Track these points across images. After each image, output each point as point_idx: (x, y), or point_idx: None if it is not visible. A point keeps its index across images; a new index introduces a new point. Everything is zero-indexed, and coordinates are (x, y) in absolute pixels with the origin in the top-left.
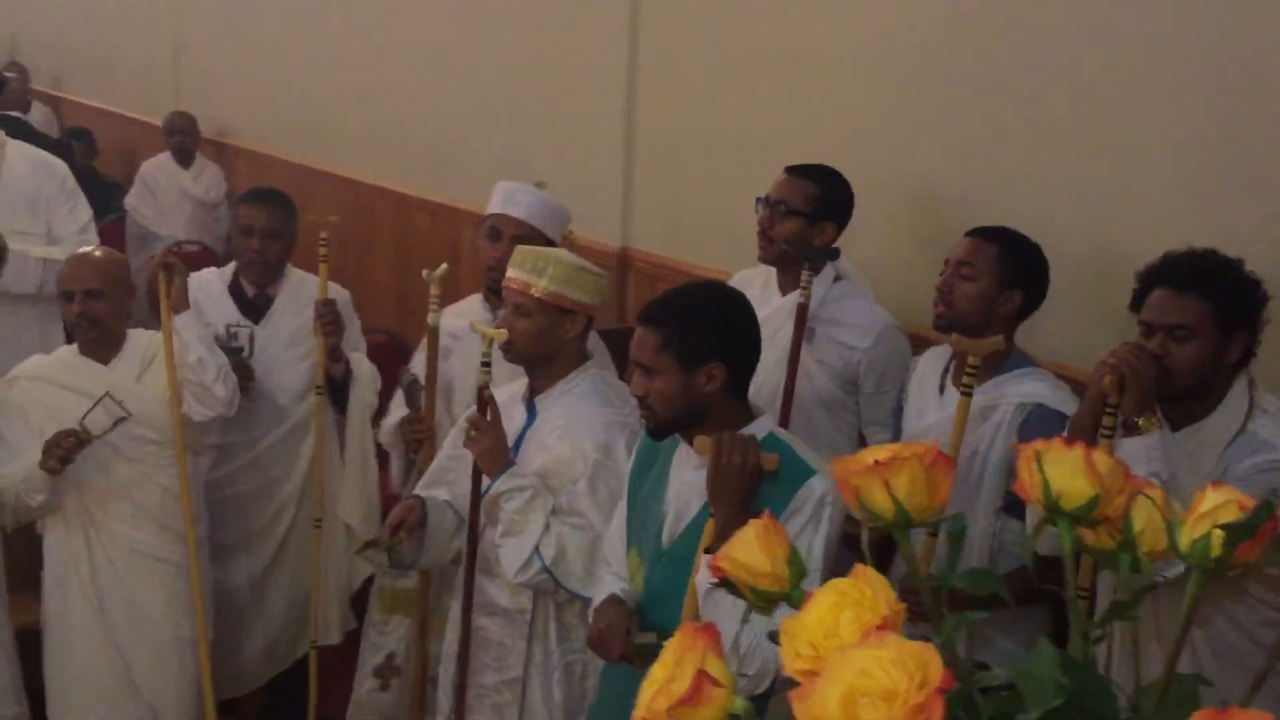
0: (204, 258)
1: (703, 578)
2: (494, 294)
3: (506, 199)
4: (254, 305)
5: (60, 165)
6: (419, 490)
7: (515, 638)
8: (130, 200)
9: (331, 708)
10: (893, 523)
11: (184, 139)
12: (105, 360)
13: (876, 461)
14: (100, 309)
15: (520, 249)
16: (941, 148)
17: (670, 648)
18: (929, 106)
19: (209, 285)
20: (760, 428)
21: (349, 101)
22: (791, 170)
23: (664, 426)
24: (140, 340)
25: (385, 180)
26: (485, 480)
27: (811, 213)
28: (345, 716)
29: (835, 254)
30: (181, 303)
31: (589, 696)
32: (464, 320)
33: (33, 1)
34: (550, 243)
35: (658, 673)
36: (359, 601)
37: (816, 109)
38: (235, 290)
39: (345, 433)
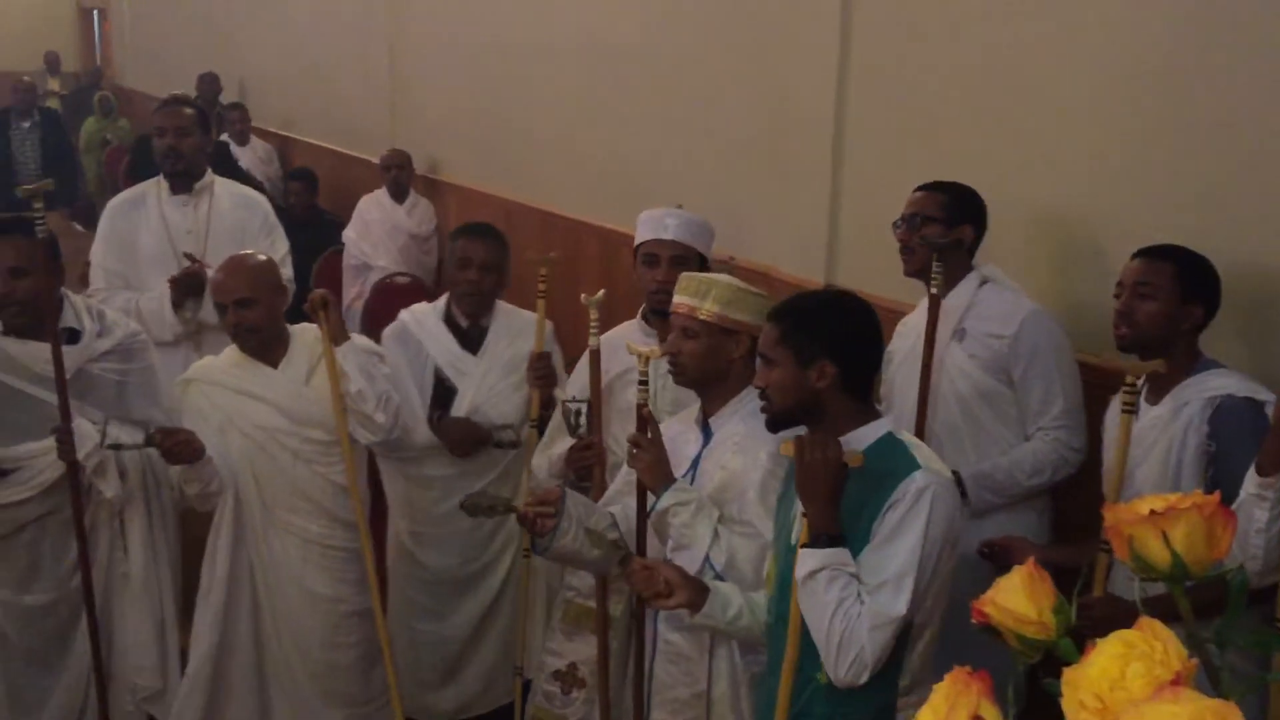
0: (415, 289)
1: (798, 570)
2: (658, 316)
3: (654, 225)
4: (468, 336)
5: (262, 201)
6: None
7: (701, 650)
8: (348, 233)
9: None
10: (1168, 575)
11: (399, 175)
12: (274, 363)
13: (1152, 511)
14: (253, 316)
15: (685, 275)
16: (1120, 176)
17: (940, 691)
18: (1149, 144)
19: (425, 319)
20: (876, 429)
21: (556, 138)
22: (921, 187)
23: (779, 418)
24: (306, 339)
25: (591, 216)
26: (651, 499)
27: (946, 217)
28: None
29: (960, 244)
30: (340, 334)
31: None
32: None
33: (263, 49)
34: (704, 258)
35: (926, 716)
36: None
37: (1031, 142)
38: (449, 321)
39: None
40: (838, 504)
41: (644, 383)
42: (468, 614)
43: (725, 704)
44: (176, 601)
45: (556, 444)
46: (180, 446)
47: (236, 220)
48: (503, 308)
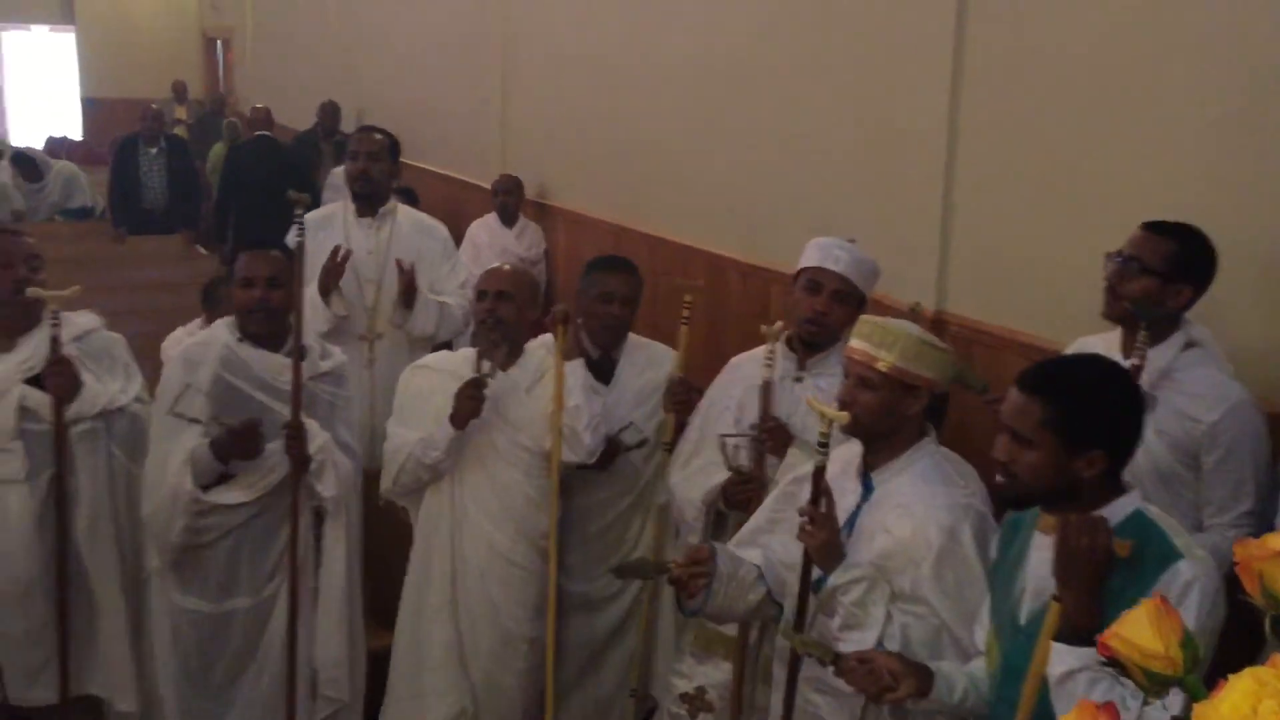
0: None
1: (1052, 667)
2: (805, 346)
3: (824, 254)
4: (599, 367)
5: (440, 228)
6: (731, 546)
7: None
8: (459, 257)
9: None
10: None
11: (508, 199)
12: (504, 366)
13: None
14: (507, 310)
15: (866, 320)
16: None
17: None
18: None
19: (553, 349)
20: (1125, 505)
21: (664, 163)
22: (1149, 226)
23: (1025, 499)
24: (536, 355)
25: (697, 240)
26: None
27: (1167, 272)
28: None
29: (1175, 319)
30: (572, 351)
31: None
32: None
33: (378, 76)
34: (863, 298)
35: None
36: None
37: (1154, 163)
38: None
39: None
40: (1100, 596)
41: (824, 445)
42: (595, 634)
43: None
44: (363, 614)
45: (713, 475)
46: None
47: (415, 245)
48: (632, 339)
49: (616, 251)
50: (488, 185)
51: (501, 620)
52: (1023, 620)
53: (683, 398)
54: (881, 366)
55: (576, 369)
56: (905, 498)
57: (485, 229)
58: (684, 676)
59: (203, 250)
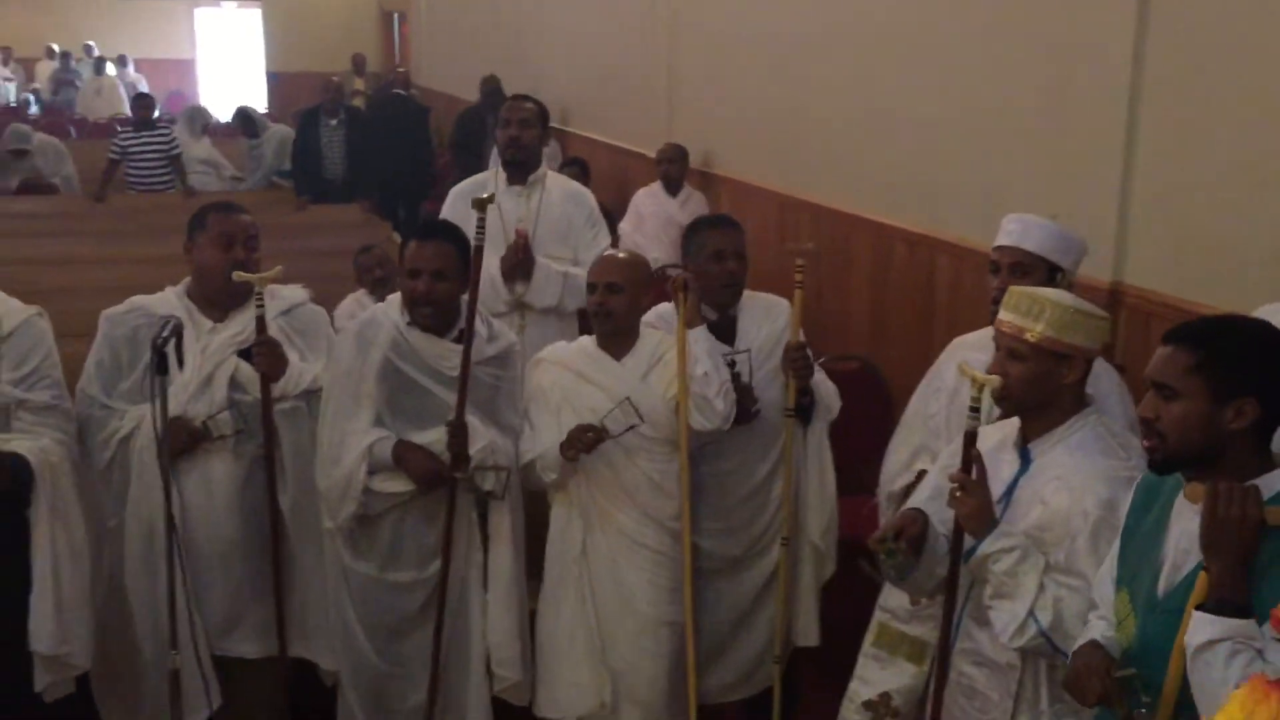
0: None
1: (1192, 635)
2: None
3: (1002, 232)
4: (720, 327)
5: (589, 196)
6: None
7: (1002, 693)
8: (623, 226)
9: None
10: None
11: (672, 168)
12: (619, 356)
13: None
14: (616, 302)
15: (1014, 290)
16: None
17: (1237, 699)
18: None
19: (672, 317)
20: (1277, 479)
21: (830, 131)
22: None
23: (1172, 459)
24: (651, 340)
25: (863, 210)
26: (969, 540)
27: None
28: None
29: None
30: (695, 318)
31: None
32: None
33: (547, 47)
34: (1055, 270)
35: None
36: None
37: None
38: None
39: (806, 450)
40: (1247, 566)
41: (975, 410)
42: (741, 597)
43: None
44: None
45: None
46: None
47: (564, 213)
48: (746, 295)
49: (781, 222)
50: (653, 154)
51: (637, 605)
52: (1161, 594)
53: (801, 362)
54: (1030, 337)
55: (700, 336)
56: (1063, 469)
57: (649, 197)
58: (866, 683)
59: (378, 219)
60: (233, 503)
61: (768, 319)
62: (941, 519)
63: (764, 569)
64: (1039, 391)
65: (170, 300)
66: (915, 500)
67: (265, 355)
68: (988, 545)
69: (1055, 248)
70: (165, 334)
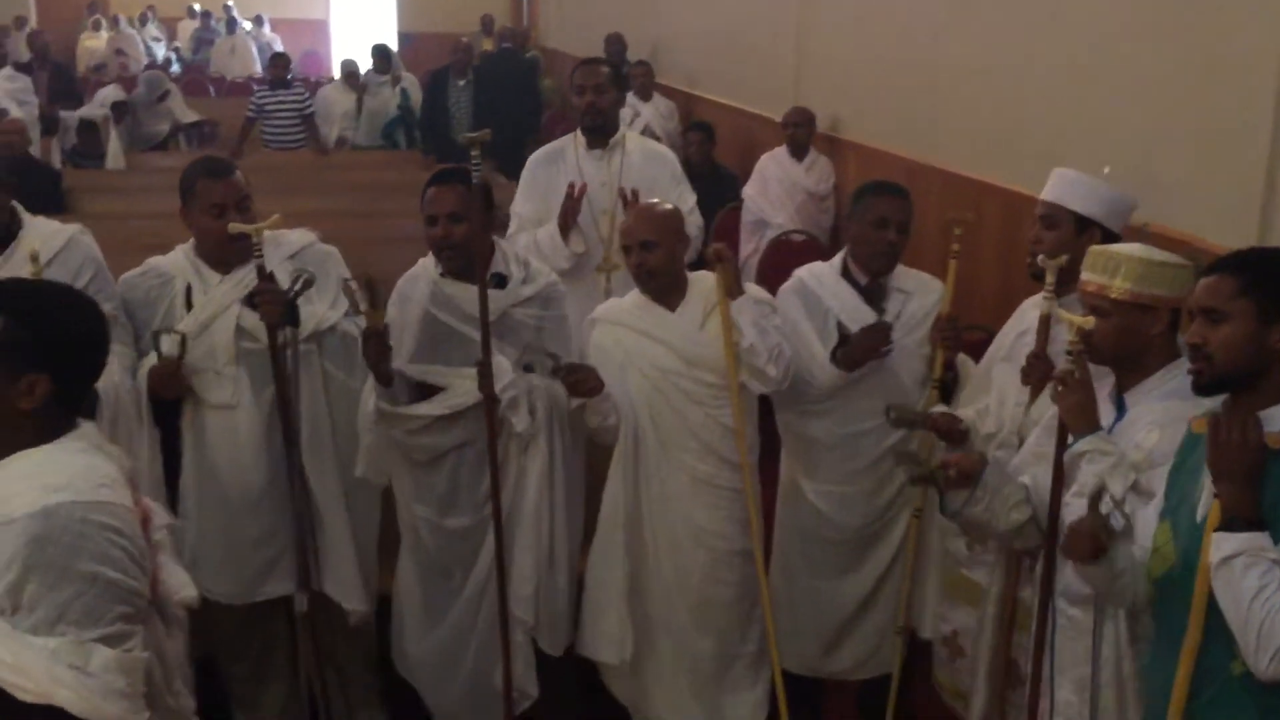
0: (810, 247)
1: (1212, 555)
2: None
3: (1064, 188)
4: (869, 293)
5: (670, 156)
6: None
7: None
8: (747, 190)
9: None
10: None
11: (798, 132)
12: (672, 306)
13: None
14: (654, 259)
15: (1093, 250)
16: None
17: None
18: None
19: (823, 276)
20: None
21: (961, 96)
22: None
23: (1218, 380)
24: (703, 286)
25: (995, 177)
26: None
27: None
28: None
29: None
30: (735, 289)
31: None
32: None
33: (675, 9)
34: (1083, 221)
35: None
36: None
37: None
38: (847, 277)
39: None
40: (1256, 486)
41: (1070, 353)
42: (866, 574)
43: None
44: (574, 538)
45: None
46: (583, 380)
47: (646, 174)
48: (899, 267)
49: (909, 188)
50: (779, 118)
51: (708, 541)
52: (1199, 517)
53: (950, 334)
54: (1112, 294)
55: (744, 306)
56: (1157, 415)
57: (775, 162)
58: (943, 620)
59: (503, 179)
60: (258, 453)
61: (919, 293)
62: (1035, 487)
63: (891, 544)
64: (1127, 345)
65: (179, 259)
66: (1021, 459)
67: (266, 304)
68: (1086, 444)
69: (1085, 201)
70: (297, 288)
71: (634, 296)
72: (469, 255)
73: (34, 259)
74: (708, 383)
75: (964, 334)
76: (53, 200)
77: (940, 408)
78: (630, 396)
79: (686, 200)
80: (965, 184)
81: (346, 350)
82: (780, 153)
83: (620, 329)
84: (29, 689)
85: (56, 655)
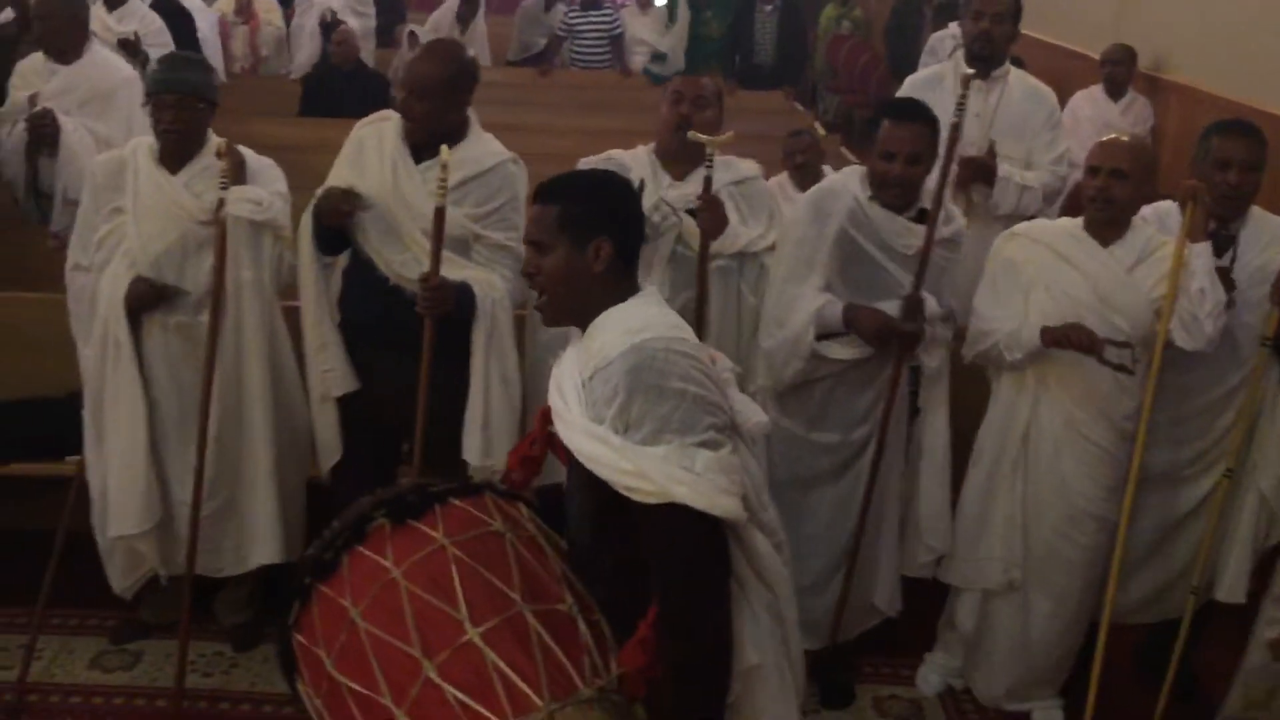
0: None
1: None
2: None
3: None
4: (1216, 241)
5: (1050, 95)
6: None
7: None
8: None
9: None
10: None
11: (1117, 70)
12: (1106, 243)
13: None
14: (1120, 190)
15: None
16: None
17: None
18: None
19: (1167, 220)
20: None
21: None
22: None
23: None
24: (1143, 233)
25: None
26: None
27: None
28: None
29: None
30: (1199, 232)
31: None
32: None
33: None
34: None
35: None
36: None
37: None
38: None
39: (1272, 388)
40: None
41: None
42: (1162, 515)
43: None
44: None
45: None
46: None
47: (1022, 111)
48: (1256, 212)
49: None
50: (1097, 56)
51: (1069, 495)
52: None
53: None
54: None
55: (1202, 251)
56: None
57: (1089, 101)
58: (1273, 622)
59: (800, 107)
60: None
61: (1274, 244)
62: None
63: (1200, 488)
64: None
65: (640, 155)
66: None
67: (709, 212)
68: None
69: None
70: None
71: (1064, 221)
72: (909, 194)
73: (442, 167)
74: (1118, 327)
75: None
76: (382, 108)
77: None
78: (1030, 320)
79: (1057, 145)
80: None
81: (761, 278)
82: (1095, 92)
83: (1039, 247)
84: (650, 490)
85: (667, 459)
